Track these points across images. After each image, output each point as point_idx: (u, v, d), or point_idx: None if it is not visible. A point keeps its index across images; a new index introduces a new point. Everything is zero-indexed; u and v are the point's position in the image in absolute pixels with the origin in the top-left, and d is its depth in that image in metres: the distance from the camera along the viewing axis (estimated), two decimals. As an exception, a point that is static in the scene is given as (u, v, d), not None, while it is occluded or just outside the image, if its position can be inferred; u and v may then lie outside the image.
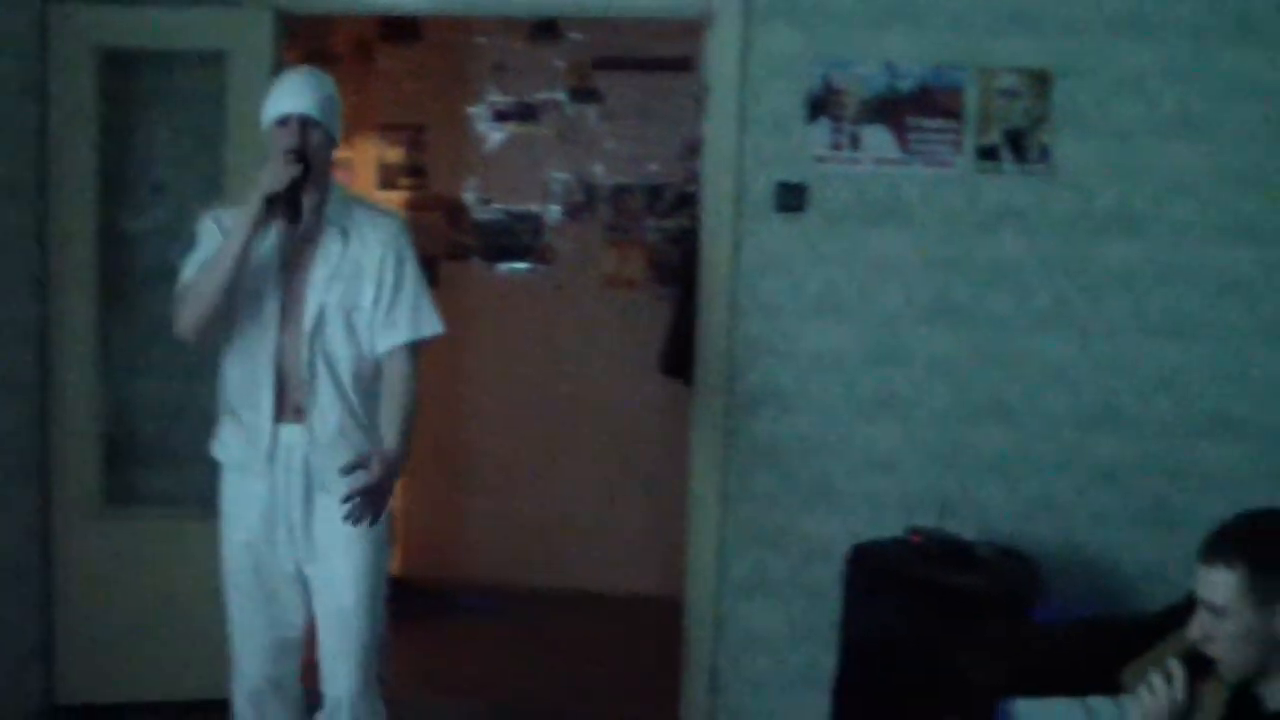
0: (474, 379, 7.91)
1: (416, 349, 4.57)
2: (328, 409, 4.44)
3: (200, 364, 5.71)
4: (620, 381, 7.74)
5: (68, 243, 5.83)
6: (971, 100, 5.68)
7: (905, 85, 5.69)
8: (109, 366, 5.96)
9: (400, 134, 8.01)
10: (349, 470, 4.27)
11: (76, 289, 5.84)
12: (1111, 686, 3.77)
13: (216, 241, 4.39)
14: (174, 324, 4.40)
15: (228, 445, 4.55)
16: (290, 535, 4.48)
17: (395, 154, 8.00)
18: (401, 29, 7.87)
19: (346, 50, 7.82)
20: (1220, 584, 3.13)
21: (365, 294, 4.47)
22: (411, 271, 4.56)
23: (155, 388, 6.10)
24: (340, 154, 7.76)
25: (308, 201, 4.40)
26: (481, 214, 7.99)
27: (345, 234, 4.47)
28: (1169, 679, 3.14)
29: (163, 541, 5.88)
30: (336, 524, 4.35)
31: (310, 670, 4.65)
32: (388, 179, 8.00)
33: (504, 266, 7.99)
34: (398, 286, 4.51)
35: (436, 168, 8.02)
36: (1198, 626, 3.18)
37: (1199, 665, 3.17)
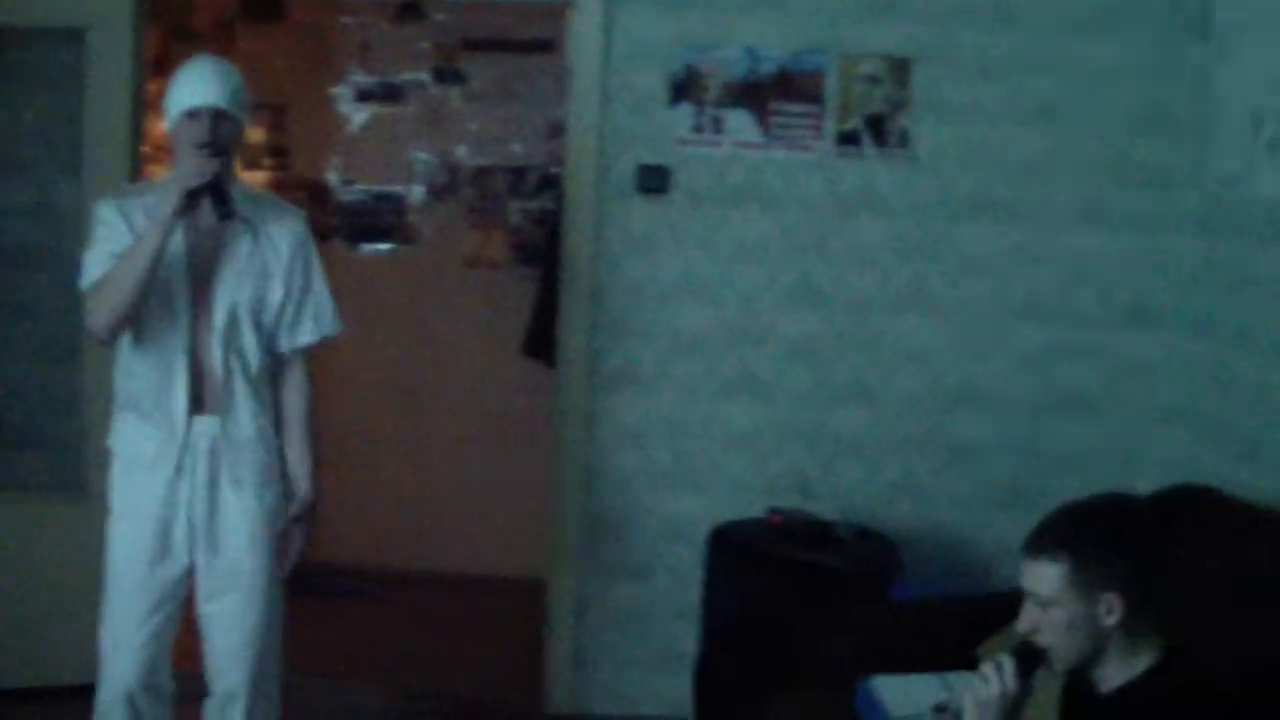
0: (337, 361, 7.84)
1: (310, 355, 4.55)
2: (242, 409, 4.36)
3: (69, 348, 5.67)
4: (484, 363, 7.72)
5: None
6: (833, 85, 5.73)
7: (767, 70, 5.73)
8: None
9: (262, 113, 7.91)
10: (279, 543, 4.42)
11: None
12: (968, 662, 3.83)
13: (120, 232, 4.24)
14: (88, 322, 4.26)
15: (128, 440, 4.39)
16: (190, 531, 4.34)
17: (257, 134, 7.92)
18: (264, 8, 7.79)
19: (207, 29, 7.73)
20: (1045, 576, 3.19)
21: (274, 294, 4.39)
22: (318, 272, 4.50)
23: (20, 370, 5.99)
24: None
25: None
26: (345, 195, 7.94)
27: (253, 229, 4.36)
28: (999, 669, 3.21)
29: (35, 526, 5.77)
30: (242, 520, 4.34)
31: (190, 659, 4.56)
32: (251, 159, 7.89)
33: (367, 247, 7.94)
34: (306, 288, 4.45)
35: (300, 148, 7.95)
36: (1026, 619, 3.25)
37: (1032, 655, 3.25)
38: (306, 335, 4.47)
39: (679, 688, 5.67)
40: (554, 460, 6.02)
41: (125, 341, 4.33)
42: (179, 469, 4.31)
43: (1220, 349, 5.38)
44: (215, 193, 4.15)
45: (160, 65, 6.97)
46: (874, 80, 5.73)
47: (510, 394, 7.62)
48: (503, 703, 6.18)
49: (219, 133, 4.21)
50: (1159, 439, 5.73)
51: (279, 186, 7.84)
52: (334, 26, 7.86)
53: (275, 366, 4.48)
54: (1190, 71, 5.60)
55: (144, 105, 5.89)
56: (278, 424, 4.48)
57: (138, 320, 4.25)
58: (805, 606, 5.13)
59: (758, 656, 5.11)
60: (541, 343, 6.83)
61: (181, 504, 4.33)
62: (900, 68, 5.73)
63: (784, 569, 5.26)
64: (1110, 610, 3.17)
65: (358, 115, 7.92)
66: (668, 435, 5.88)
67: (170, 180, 4.25)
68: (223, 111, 4.23)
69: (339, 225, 7.92)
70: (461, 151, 7.86)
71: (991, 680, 3.22)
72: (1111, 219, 5.73)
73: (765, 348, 5.82)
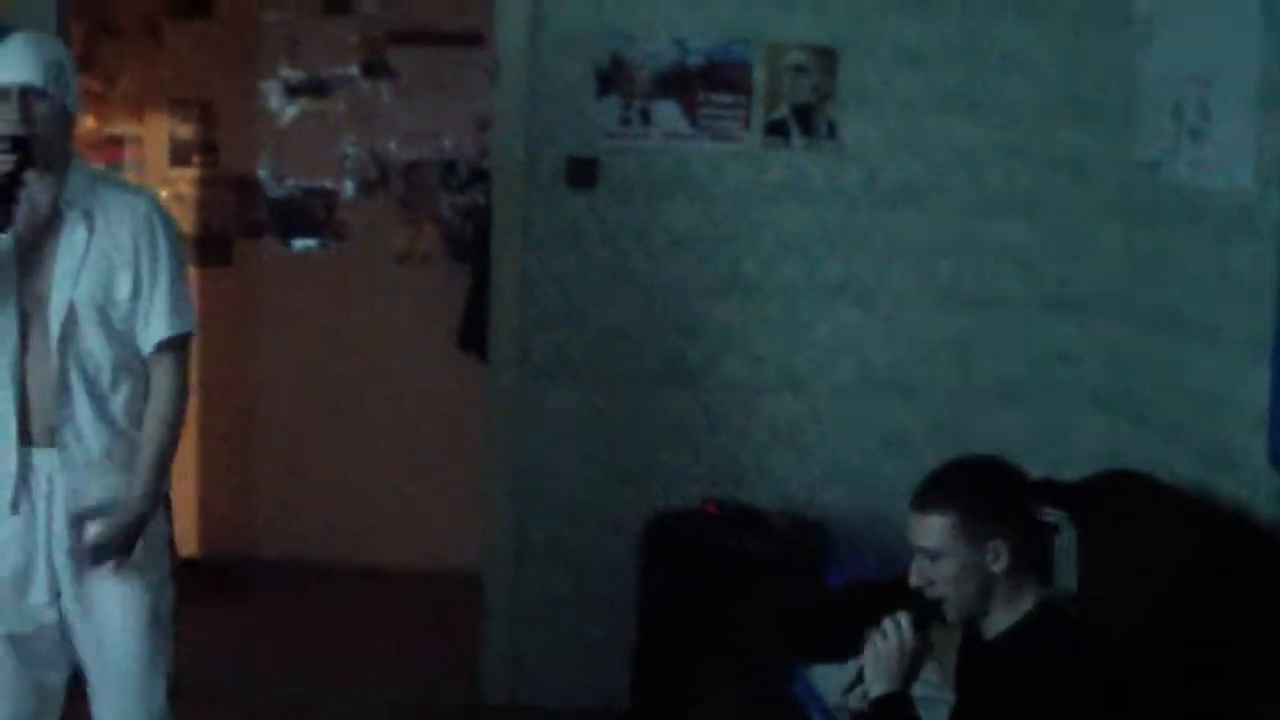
0: (268, 356, 7.84)
1: (183, 344, 4.00)
2: (86, 427, 3.84)
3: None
4: (416, 356, 7.70)
5: None
6: (759, 76, 5.76)
7: (694, 61, 5.76)
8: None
9: (190, 110, 7.89)
10: (78, 523, 3.84)
11: None
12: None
13: None
14: None
15: None
16: (51, 580, 3.86)
17: (186, 130, 7.87)
18: (190, 3, 7.73)
19: (132, 24, 7.69)
20: (934, 528, 3.36)
21: (121, 286, 3.86)
22: (168, 258, 3.93)
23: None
24: (130, 130, 7.75)
25: (41, 190, 3.79)
26: (274, 190, 7.90)
27: (90, 218, 3.84)
28: (896, 625, 3.34)
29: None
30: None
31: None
32: (179, 156, 7.87)
33: (299, 243, 7.92)
34: (154, 274, 3.88)
35: (228, 144, 7.90)
36: (916, 573, 3.41)
37: (926, 608, 3.38)
38: (162, 329, 3.91)
39: (617, 678, 5.68)
40: (487, 452, 6.03)
41: None
42: (17, 508, 3.83)
43: (1142, 333, 5.45)
44: (4, 196, 3.66)
45: (85, 62, 6.94)
46: (801, 70, 5.76)
47: (444, 387, 7.60)
48: (439, 697, 6.19)
49: (31, 115, 3.72)
50: (1085, 424, 5.79)
51: (208, 183, 7.82)
52: (261, 21, 7.82)
53: (143, 367, 3.97)
54: (1110, 58, 5.66)
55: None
56: None
57: None
58: (740, 595, 5.16)
59: (694, 645, 5.14)
60: (474, 336, 6.83)
61: (39, 549, 3.86)
62: (826, 57, 5.76)
63: (718, 557, 5.30)
64: (997, 556, 3.34)
65: (287, 110, 7.88)
66: (600, 426, 5.89)
67: None
68: (36, 89, 3.73)
69: (270, 221, 7.89)
70: (391, 146, 7.83)
71: (890, 635, 3.35)
72: (1035, 205, 5.78)
73: (696, 338, 5.84)
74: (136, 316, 3.89)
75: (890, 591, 4.88)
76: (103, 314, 3.84)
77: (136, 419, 3.95)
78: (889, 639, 3.35)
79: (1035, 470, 5.03)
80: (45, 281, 3.81)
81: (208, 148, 7.89)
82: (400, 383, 7.75)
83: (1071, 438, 5.79)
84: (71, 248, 3.82)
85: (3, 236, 3.73)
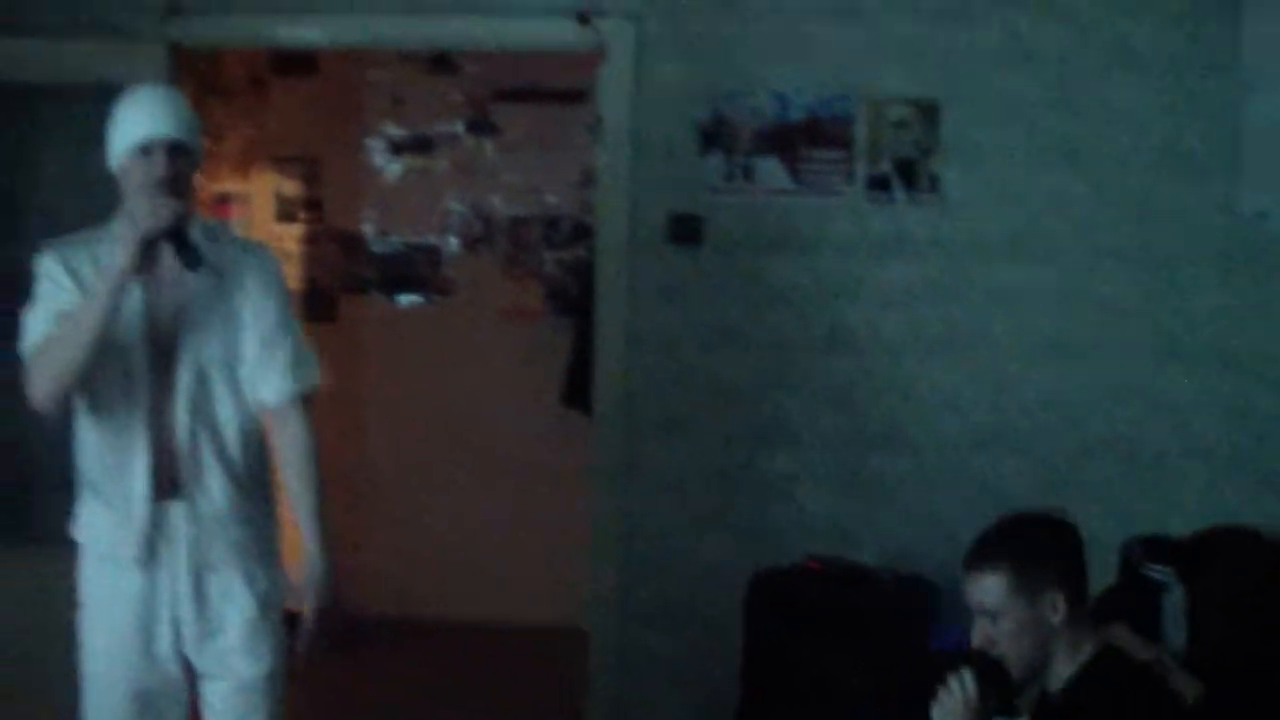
0: (372, 411, 7.90)
1: (309, 402, 4.01)
2: (213, 483, 3.85)
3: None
4: (520, 412, 7.74)
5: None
6: (861, 130, 5.76)
7: (796, 116, 5.77)
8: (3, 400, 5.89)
9: (296, 166, 7.99)
10: (288, 625, 3.91)
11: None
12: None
13: (65, 288, 3.77)
14: (28, 392, 3.73)
15: (92, 529, 3.94)
16: (175, 631, 3.87)
17: (292, 186, 7.98)
18: (296, 62, 7.83)
19: (240, 83, 7.80)
20: (989, 588, 3.35)
21: (248, 344, 3.88)
22: (291, 314, 4.01)
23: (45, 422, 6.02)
24: (237, 187, 7.85)
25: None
26: (379, 246, 8.00)
27: (220, 274, 3.85)
28: (961, 681, 3.29)
29: (61, 576, 5.79)
30: (233, 608, 3.90)
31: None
32: (285, 212, 7.98)
33: (402, 299, 7.99)
34: (282, 331, 3.93)
35: (333, 200, 8.01)
36: (978, 634, 3.38)
37: (991, 666, 3.35)
38: (289, 386, 3.93)
39: (720, 734, 5.67)
40: (592, 508, 6.05)
41: (80, 412, 3.86)
42: (148, 563, 3.84)
43: (1247, 385, 5.41)
44: (177, 239, 3.66)
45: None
46: (902, 124, 5.76)
47: (548, 443, 7.64)
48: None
49: (178, 169, 3.77)
50: (1191, 478, 5.72)
51: (313, 239, 7.92)
52: (366, 79, 7.92)
53: (262, 423, 3.99)
54: (1214, 108, 5.62)
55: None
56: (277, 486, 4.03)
57: (89, 391, 3.79)
58: (844, 652, 5.15)
59: (797, 702, 5.12)
60: (578, 391, 6.86)
61: (163, 600, 3.87)
62: (928, 111, 5.75)
63: (823, 615, 5.28)
64: (1055, 608, 3.32)
65: (391, 167, 7.98)
66: (705, 482, 5.89)
67: (122, 228, 3.70)
68: (180, 144, 3.79)
69: (374, 276, 7.98)
70: (495, 202, 7.90)
71: (956, 692, 3.31)
72: (1137, 257, 5.73)
73: (799, 393, 5.84)
74: (261, 371, 3.91)
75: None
76: (229, 369, 3.87)
77: (259, 475, 3.99)
78: (954, 695, 3.33)
79: (1141, 526, 5.04)
80: (173, 338, 3.82)
81: (313, 204, 8.00)
82: (505, 438, 7.79)
83: (1177, 492, 5.72)
84: (202, 304, 3.84)
85: (132, 305, 3.74)
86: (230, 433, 3.89)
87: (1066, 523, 3.56)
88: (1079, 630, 3.37)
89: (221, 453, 3.88)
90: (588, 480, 6.10)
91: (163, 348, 3.81)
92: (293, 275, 7.67)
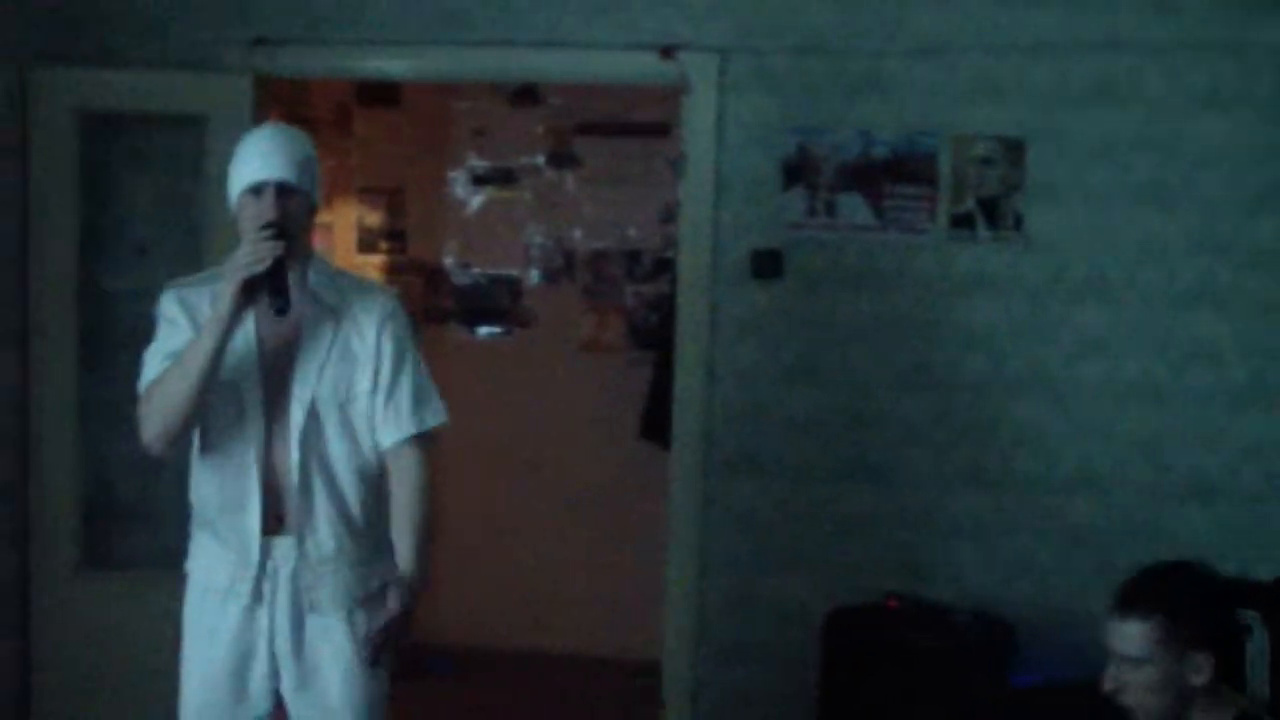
0: (451, 442, 7.89)
1: (427, 441, 4.04)
2: (322, 522, 3.90)
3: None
4: (598, 445, 7.74)
5: (48, 302, 5.86)
6: (945, 168, 5.73)
7: (879, 152, 5.75)
8: (88, 426, 5.95)
9: (379, 197, 8.03)
10: (364, 604, 3.93)
11: (57, 349, 5.87)
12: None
13: (181, 328, 3.85)
14: (140, 431, 3.82)
15: (201, 563, 4.00)
16: (272, 665, 3.92)
17: (374, 217, 8.02)
18: (380, 93, 7.89)
19: (325, 114, 7.85)
20: (1136, 635, 3.23)
21: (361, 382, 3.93)
22: (411, 354, 4.02)
23: (133, 448, 6.06)
24: (319, 217, 7.87)
25: (293, 281, 3.79)
26: (460, 278, 8.02)
27: (335, 313, 3.93)
28: None
29: (141, 602, 5.85)
30: (332, 650, 3.93)
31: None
32: (367, 243, 8.02)
33: (482, 330, 8.01)
34: (397, 371, 3.96)
35: (415, 231, 8.04)
36: (1110, 679, 3.28)
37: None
38: (405, 427, 3.98)
39: (795, 773, 5.64)
40: (668, 542, 6.03)
41: (194, 450, 3.94)
42: (256, 597, 3.90)
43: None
44: (274, 282, 3.70)
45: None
46: (987, 162, 5.72)
47: (626, 476, 7.63)
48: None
49: (285, 209, 3.81)
50: (1278, 522, 5.64)
51: (395, 270, 7.95)
52: (449, 111, 7.95)
53: (380, 468, 4.02)
54: (1308, 148, 5.57)
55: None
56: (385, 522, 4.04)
57: (203, 427, 3.87)
58: (922, 691, 5.10)
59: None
60: (657, 426, 6.84)
61: (262, 636, 3.92)
62: (1014, 148, 5.72)
63: (901, 653, 5.24)
64: (1199, 670, 3.21)
65: (473, 198, 8.00)
66: (782, 518, 5.86)
67: (228, 269, 3.75)
68: (289, 186, 3.82)
69: (455, 308, 8.00)
70: (576, 234, 7.91)
71: None
72: (1227, 298, 5.67)
73: (879, 430, 5.80)
74: (376, 413, 3.96)
75: (1078, 694, 4.82)
76: (343, 410, 3.92)
77: (373, 519, 4.01)
78: None
79: (1226, 569, 4.95)
80: (287, 376, 3.88)
81: (395, 235, 8.04)
82: (582, 470, 7.78)
83: (1264, 537, 5.65)
84: (316, 342, 3.90)
85: (239, 338, 3.80)
86: (342, 470, 3.94)
87: (1220, 579, 3.44)
88: (1218, 696, 3.25)
89: (332, 491, 3.92)
90: (665, 514, 6.08)
91: (276, 385, 3.88)
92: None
